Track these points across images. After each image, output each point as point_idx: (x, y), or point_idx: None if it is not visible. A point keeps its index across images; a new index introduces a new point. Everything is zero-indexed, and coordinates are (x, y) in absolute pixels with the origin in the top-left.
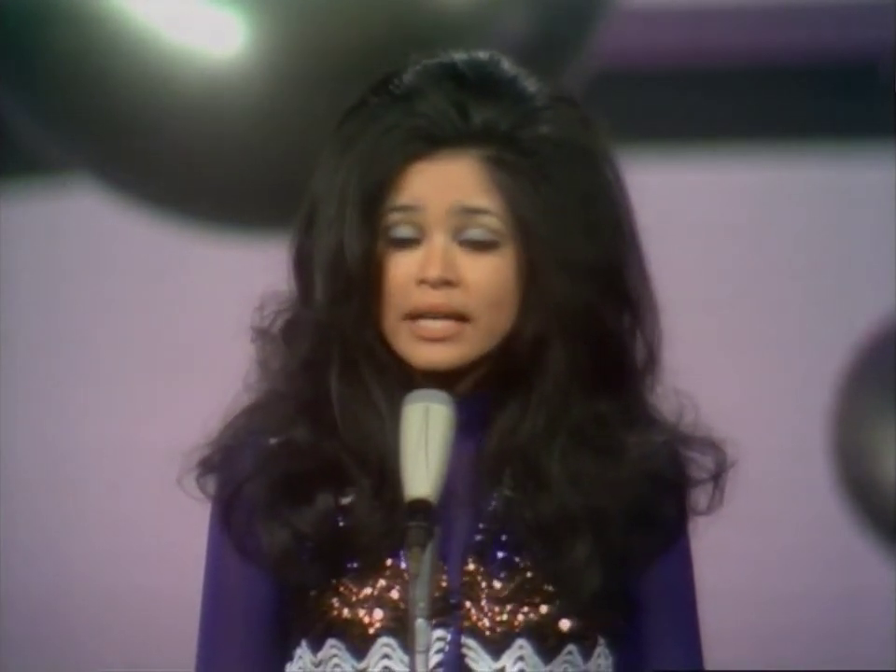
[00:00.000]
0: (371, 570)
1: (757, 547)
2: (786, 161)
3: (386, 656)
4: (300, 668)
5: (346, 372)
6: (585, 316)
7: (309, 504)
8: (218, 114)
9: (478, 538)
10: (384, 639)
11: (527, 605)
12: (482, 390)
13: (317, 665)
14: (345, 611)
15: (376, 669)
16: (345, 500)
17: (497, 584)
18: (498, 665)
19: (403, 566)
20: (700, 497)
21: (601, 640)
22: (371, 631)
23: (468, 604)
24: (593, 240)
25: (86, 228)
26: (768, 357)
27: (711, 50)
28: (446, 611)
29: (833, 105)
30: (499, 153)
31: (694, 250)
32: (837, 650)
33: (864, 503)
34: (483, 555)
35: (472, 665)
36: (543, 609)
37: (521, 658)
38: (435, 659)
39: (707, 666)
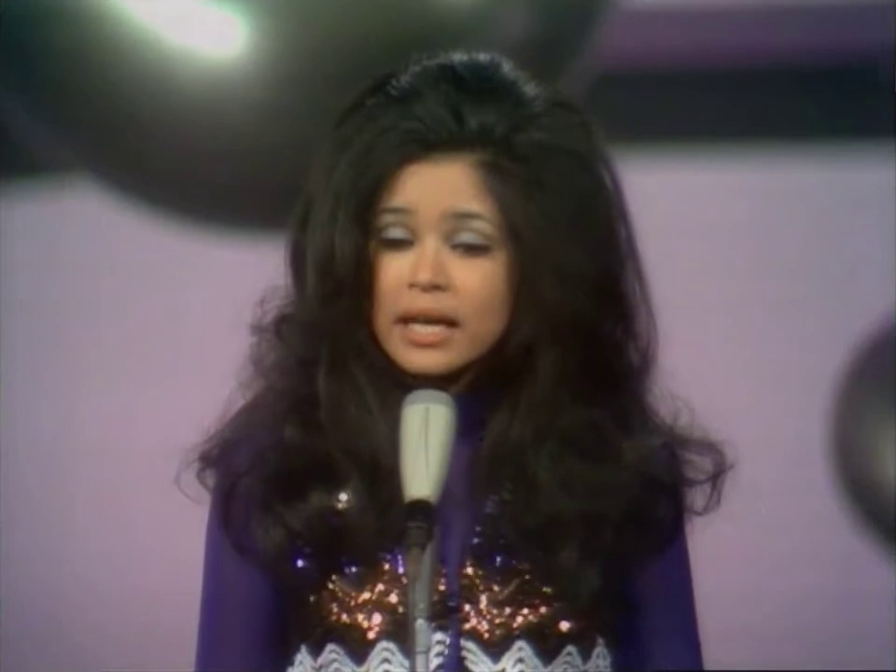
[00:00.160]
0: (370, 575)
1: (757, 547)
2: (786, 161)
3: (386, 660)
4: None
5: (335, 371)
6: (576, 322)
7: (302, 501)
8: (218, 114)
9: (476, 540)
10: (383, 644)
11: (526, 607)
12: (475, 392)
13: (318, 669)
14: (344, 616)
15: None
16: (340, 499)
17: (496, 587)
18: (498, 667)
19: (401, 570)
20: (697, 497)
21: (600, 640)
22: (371, 635)
23: (466, 607)
24: (585, 247)
25: (86, 228)
26: (768, 356)
27: (711, 50)
28: (445, 614)
29: (833, 105)
30: (494, 158)
31: (694, 250)
32: (837, 650)
33: (864, 503)
34: (481, 558)
35: (472, 667)
36: (542, 610)
37: (520, 660)
38: (435, 662)
39: (707, 667)
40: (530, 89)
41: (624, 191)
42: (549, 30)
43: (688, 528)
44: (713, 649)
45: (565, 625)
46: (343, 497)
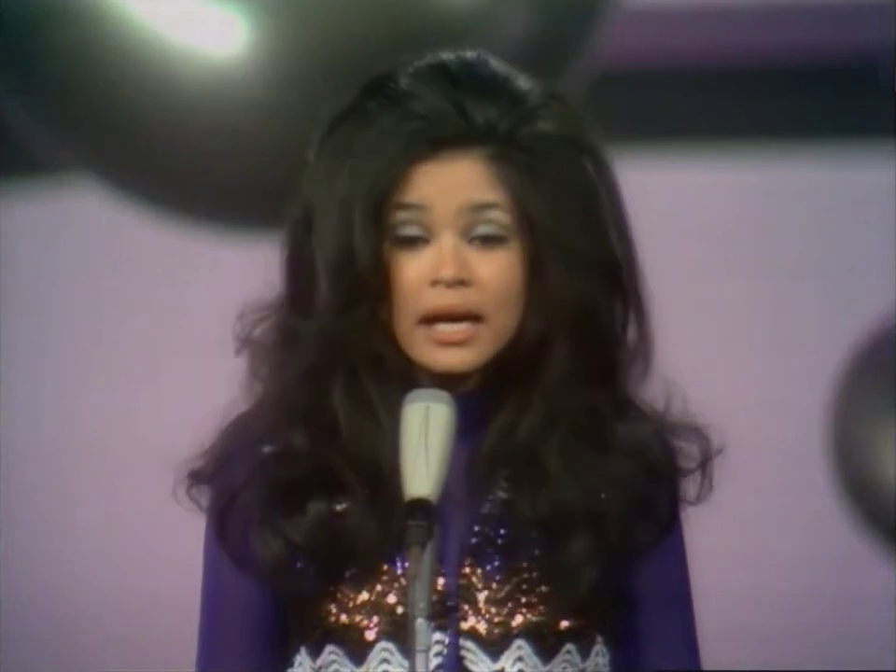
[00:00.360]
0: (368, 576)
1: (757, 547)
2: (786, 161)
3: (385, 661)
4: None
5: (349, 381)
6: (586, 310)
7: (302, 513)
8: (219, 113)
9: (474, 540)
10: (382, 644)
11: (525, 605)
12: (480, 390)
13: (317, 670)
14: (343, 617)
15: None
16: (339, 508)
17: (494, 586)
18: (497, 666)
19: (400, 571)
20: (689, 486)
21: (599, 639)
22: (370, 636)
23: (465, 606)
24: (592, 233)
25: (86, 228)
26: (768, 356)
27: (711, 50)
28: (444, 614)
29: (833, 105)
30: (501, 151)
31: (694, 250)
32: (836, 650)
33: (864, 503)
34: (479, 557)
35: (471, 666)
36: (541, 609)
37: (520, 658)
38: (434, 662)
39: (707, 666)
40: (523, 82)
41: (618, 180)
42: (549, 29)
43: (687, 529)
44: (713, 649)
45: (563, 624)
46: (342, 506)
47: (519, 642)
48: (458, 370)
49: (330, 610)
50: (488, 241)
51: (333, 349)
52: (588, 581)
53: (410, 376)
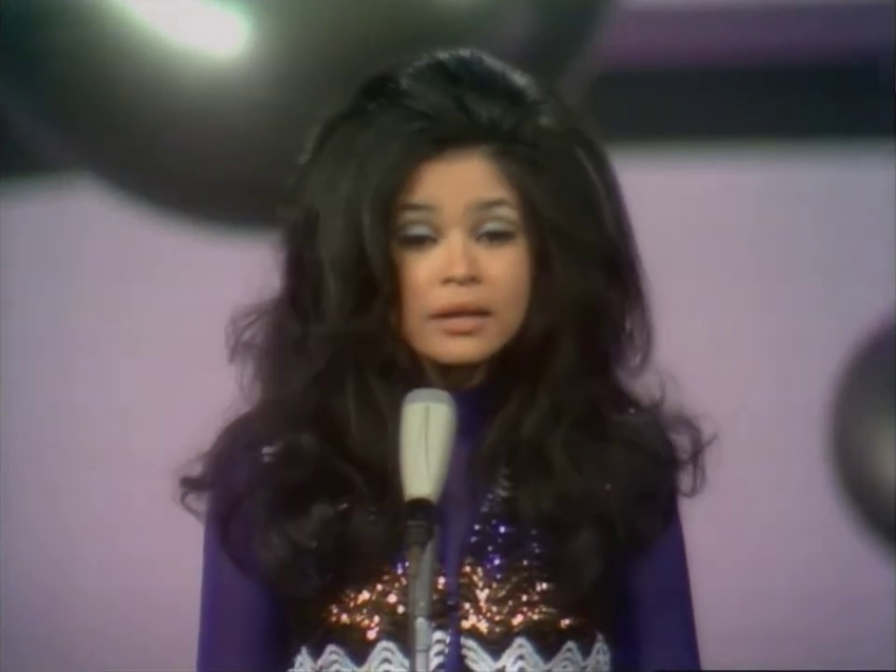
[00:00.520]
0: (369, 576)
1: (756, 548)
2: (786, 161)
3: (386, 660)
4: None
5: (358, 383)
6: (593, 306)
7: (307, 516)
8: (219, 113)
9: (474, 539)
10: (383, 644)
11: (525, 604)
12: (485, 386)
13: (318, 671)
14: (344, 617)
15: None
16: (343, 509)
17: (495, 584)
18: (499, 664)
19: (400, 571)
20: (684, 477)
21: (599, 636)
22: (371, 636)
23: (466, 605)
24: (595, 227)
25: (86, 227)
26: (767, 356)
27: (711, 50)
28: (444, 613)
29: (834, 105)
30: (505, 147)
31: (694, 249)
32: (836, 650)
33: (864, 503)
34: (479, 556)
35: (473, 665)
36: (542, 607)
37: (521, 657)
38: (435, 661)
39: (707, 667)
40: (518, 78)
41: (616, 174)
42: (549, 30)
43: (686, 529)
44: (712, 649)
45: (564, 622)
46: (346, 504)
47: (520, 640)
48: (467, 359)
49: (331, 610)
50: (496, 237)
51: (344, 352)
52: (591, 577)
53: (418, 375)
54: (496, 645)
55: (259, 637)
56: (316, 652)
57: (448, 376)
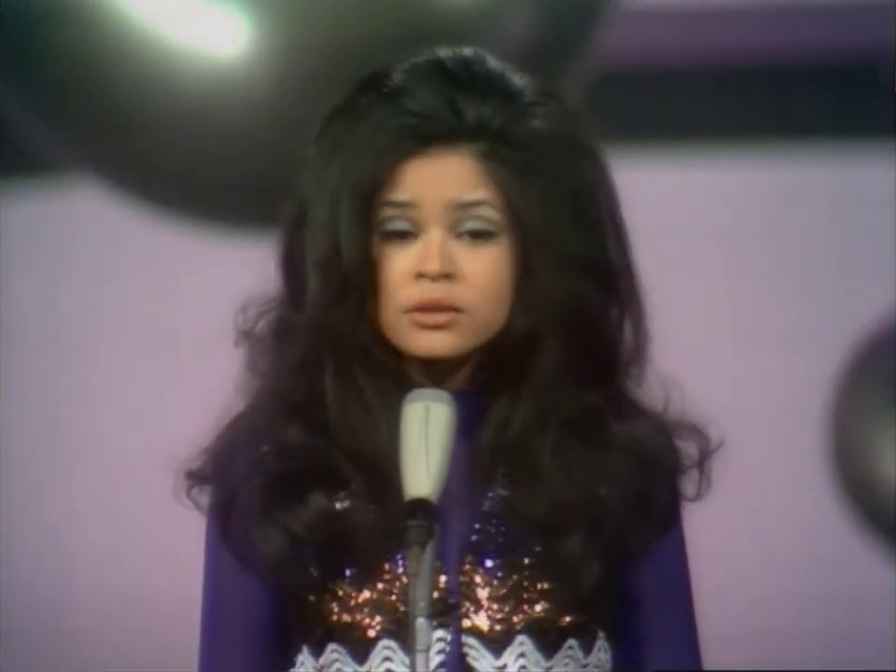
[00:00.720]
0: (369, 575)
1: (756, 547)
2: (786, 161)
3: (388, 659)
4: None
5: (340, 373)
6: (576, 309)
7: (303, 506)
8: (220, 113)
9: (474, 537)
10: (384, 642)
11: (526, 602)
12: (473, 387)
13: (319, 670)
14: (345, 616)
15: None
16: (340, 503)
17: (495, 583)
18: (500, 662)
19: (401, 569)
20: (688, 483)
21: (600, 634)
22: (372, 634)
23: (466, 604)
24: (584, 232)
25: (86, 228)
26: (767, 356)
27: (711, 50)
28: (445, 612)
29: (834, 105)
30: (492, 148)
31: (694, 249)
32: (836, 650)
33: (863, 503)
34: (480, 555)
35: (474, 663)
36: (542, 605)
37: (522, 655)
38: (436, 660)
39: (707, 666)
40: (518, 79)
41: (613, 178)
42: (551, 30)
43: (687, 529)
44: (712, 649)
45: (565, 619)
46: (343, 498)
47: (521, 638)
48: (437, 353)
49: (332, 609)
50: (477, 236)
51: (322, 342)
52: (589, 579)
53: (399, 368)
54: (497, 643)
55: (260, 632)
56: (318, 651)
57: (430, 372)
